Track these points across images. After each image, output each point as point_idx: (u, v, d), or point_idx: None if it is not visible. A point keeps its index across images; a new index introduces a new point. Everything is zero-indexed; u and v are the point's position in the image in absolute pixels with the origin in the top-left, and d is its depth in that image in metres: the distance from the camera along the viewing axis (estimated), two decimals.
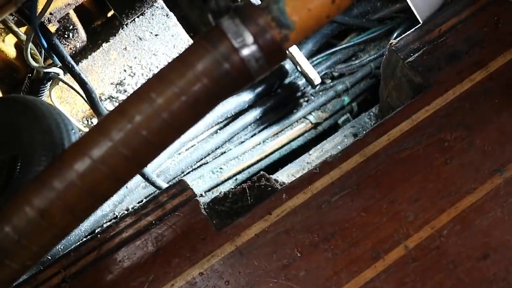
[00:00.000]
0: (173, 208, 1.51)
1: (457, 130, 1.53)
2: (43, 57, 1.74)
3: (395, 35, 2.45)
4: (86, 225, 1.95)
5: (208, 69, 0.91)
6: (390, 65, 1.77)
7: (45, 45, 1.61)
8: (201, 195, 2.19)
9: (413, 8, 1.67)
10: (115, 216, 2.09)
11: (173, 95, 0.92)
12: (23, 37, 1.68)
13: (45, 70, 1.76)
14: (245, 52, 0.91)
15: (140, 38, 2.21)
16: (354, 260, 1.41)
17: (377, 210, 1.46)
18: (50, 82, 1.84)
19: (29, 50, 1.66)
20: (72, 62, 1.66)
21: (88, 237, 1.55)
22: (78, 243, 1.54)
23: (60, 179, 0.94)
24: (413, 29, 1.71)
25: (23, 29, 1.78)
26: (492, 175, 1.48)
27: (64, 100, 2.10)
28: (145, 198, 2.17)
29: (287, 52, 0.98)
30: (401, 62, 1.67)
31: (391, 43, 1.70)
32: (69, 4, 1.81)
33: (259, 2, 2.08)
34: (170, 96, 0.92)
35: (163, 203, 1.53)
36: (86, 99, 1.73)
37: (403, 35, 1.71)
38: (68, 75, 1.70)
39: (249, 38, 0.91)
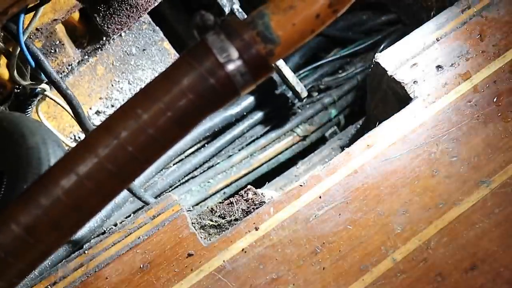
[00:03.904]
0: (160, 223, 1.51)
1: (443, 142, 1.54)
2: (29, 72, 1.74)
3: (381, 48, 2.46)
4: (74, 239, 1.94)
5: (193, 84, 0.91)
6: (376, 78, 1.78)
7: (32, 61, 1.61)
8: (189, 210, 2.18)
9: None
10: (103, 231, 2.08)
11: (159, 111, 0.92)
12: (9, 53, 1.68)
13: (32, 86, 1.76)
14: (230, 67, 0.91)
15: (127, 53, 2.21)
16: (342, 273, 1.41)
17: (365, 223, 1.46)
18: (37, 97, 1.84)
19: (15, 66, 1.66)
20: (58, 78, 1.66)
21: (76, 252, 1.54)
22: (66, 258, 1.53)
23: (46, 196, 0.93)
24: (398, 42, 1.72)
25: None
26: (478, 187, 1.48)
27: (51, 115, 2.09)
28: (133, 213, 2.16)
29: (273, 66, 0.98)
30: (387, 75, 1.67)
31: (377, 56, 1.71)
32: (55, 19, 1.80)
33: (245, 17, 2.09)
34: (155, 111, 0.92)
35: (151, 218, 1.52)
36: (72, 115, 1.73)
37: (388, 48, 1.71)
38: (55, 90, 1.70)
39: (234, 53, 0.91)
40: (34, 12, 1.59)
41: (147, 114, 0.92)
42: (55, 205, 0.93)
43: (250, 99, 2.35)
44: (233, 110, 2.33)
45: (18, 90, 1.85)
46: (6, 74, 1.86)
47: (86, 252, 1.50)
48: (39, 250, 0.97)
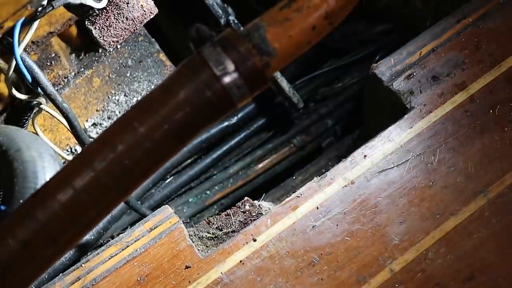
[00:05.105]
0: (157, 236, 1.51)
1: (440, 152, 1.54)
2: (25, 85, 1.73)
3: (377, 58, 2.46)
4: (70, 253, 1.93)
5: (190, 97, 0.91)
6: (372, 88, 1.78)
7: (27, 75, 1.61)
8: (187, 222, 2.18)
9: None
10: (100, 244, 2.08)
11: (156, 124, 0.92)
12: (5, 66, 1.68)
13: (28, 100, 1.76)
14: (227, 80, 0.91)
15: (123, 65, 2.20)
16: (339, 284, 1.41)
17: (362, 234, 1.46)
18: (33, 110, 1.84)
19: (11, 79, 1.66)
20: (54, 91, 1.66)
21: (73, 266, 1.53)
22: (63, 272, 1.53)
23: (42, 210, 0.93)
24: (394, 52, 1.72)
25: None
26: (476, 197, 1.48)
27: (47, 128, 2.09)
28: (130, 225, 2.15)
29: (269, 78, 0.98)
30: (383, 86, 1.67)
31: (373, 66, 1.71)
32: (51, 32, 1.80)
33: (241, 28, 2.09)
34: (152, 125, 0.92)
35: (148, 231, 1.52)
36: (68, 128, 1.72)
37: (384, 59, 1.71)
38: (51, 103, 1.70)
39: (230, 66, 0.91)
40: (29, 25, 1.59)
41: (144, 128, 0.91)
42: (51, 219, 0.93)
43: (247, 110, 2.35)
44: (230, 120, 2.33)
45: (14, 103, 1.85)
46: (2, 88, 1.86)
47: (83, 265, 1.50)
48: (36, 265, 0.96)
